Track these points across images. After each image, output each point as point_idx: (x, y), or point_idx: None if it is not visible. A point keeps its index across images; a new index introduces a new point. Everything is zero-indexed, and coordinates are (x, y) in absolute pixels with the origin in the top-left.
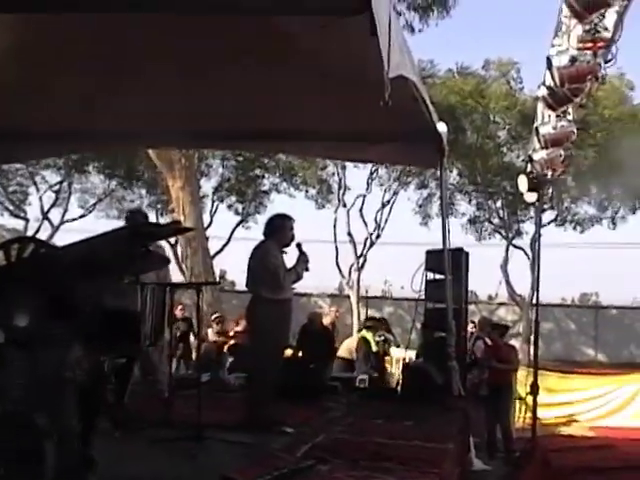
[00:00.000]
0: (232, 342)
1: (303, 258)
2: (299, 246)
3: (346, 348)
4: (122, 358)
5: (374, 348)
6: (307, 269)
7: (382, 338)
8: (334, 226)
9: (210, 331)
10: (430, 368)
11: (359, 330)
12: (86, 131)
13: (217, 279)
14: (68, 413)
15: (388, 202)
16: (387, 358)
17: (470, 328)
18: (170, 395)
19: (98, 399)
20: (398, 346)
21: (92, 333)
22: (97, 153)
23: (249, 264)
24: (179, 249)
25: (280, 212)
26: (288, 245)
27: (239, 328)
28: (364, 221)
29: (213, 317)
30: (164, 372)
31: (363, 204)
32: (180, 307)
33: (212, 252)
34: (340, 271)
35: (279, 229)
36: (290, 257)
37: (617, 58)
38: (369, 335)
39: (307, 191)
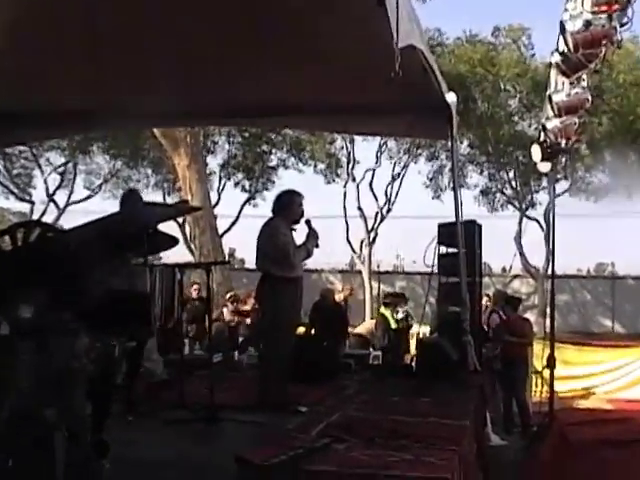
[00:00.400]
0: (247, 322)
1: (313, 234)
2: (308, 222)
3: (365, 326)
4: (133, 341)
5: (393, 325)
6: (317, 245)
7: (404, 314)
8: (344, 201)
9: (225, 310)
10: (445, 343)
11: (377, 308)
12: (89, 111)
13: (226, 258)
14: (78, 405)
15: (398, 175)
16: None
17: (484, 302)
18: (176, 377)
19: (109, 385)
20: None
21: (102, 318)
22: (101, 133)
23: (258, 242)
24: (187, 229)
25: (288, 188)
26: (297, 222)
27: (247, 307)
28: (374, 195)
29: (228, 296)
30: (155, 360)
31: (373, 178)
32: (195, 287)
33: (220, 231)
34: (351, 246)
35: (288, 205)
36: (299, 234)
37: (633, 21)
38: (387, 312)
39: (316, 166)
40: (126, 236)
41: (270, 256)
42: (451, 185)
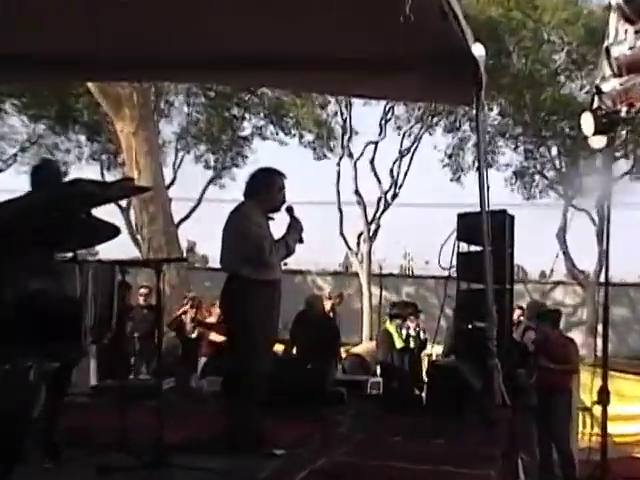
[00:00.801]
0: (211, 337)
1: (295, 226)
2: (290, 210)
3: (363, 345)
4: (56, 362)
5: (398, 344)
6: (301, 240)
7: (416, 331)
8: (337, 183)
9: (183, 319)
10: (464, 368)
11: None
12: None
13: (184, 254)
14: None
15: (408, 151)
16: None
17: (517, 315)
18: (115, 409)
19: (21, 421)
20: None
21: (15, 330)
22: (16, 87)
23: (224, 234)
24: (132, 215)
25: (266, 166)
26: (276, 209)
27: (212, 319)
28: (377, 176)
29: (186, 300)
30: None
31: (375, 153)
32: (143, 291)
33: (176, 218)
34: (346, 242)
35: (264, 188)
36: (279, 225)
37: None
38: (392, 327)
39: (301, 137)
40: (49, 224)
41: (239, 253)
42: (475, 164)
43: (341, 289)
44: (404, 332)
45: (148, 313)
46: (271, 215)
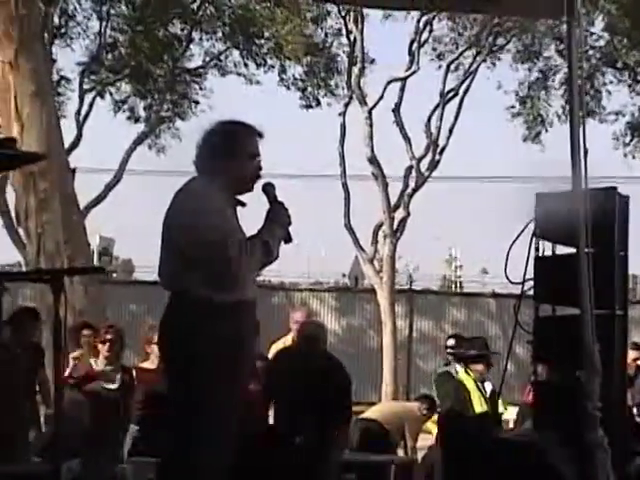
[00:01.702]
0: (144, 394)
1: (279, 215)
2: (269, 190)
3: (382, 408)
4: None
5: (477, 405)
6: (288, 238)
7: (489, 386)
8: (341, 145)
9: (95, 361)
10: (549, 445)
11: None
12: None
13: (94, 259)
14: None
15: (455, 92)
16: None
17: (632, 357)
18: None
19: None
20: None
21: None
22: None
23: (165, 229)
24: (11, 198)
25: (229, 118)
26: (247, 188)
27: (147, 364)
28: (404, 134)
29: (104, 330)
30: None
31: (402, 97)
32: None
33: (83, 202)
34: (355, 239)
35: (227, 154)
36: (251, 214)
37: None
38: (469, 378)
39: (283, 70)
40: None
41: (189, 259)
42: (566, 113)
43: (347, 314)
44: (480, 386)
45: (32, 354)
46: (239, 198)
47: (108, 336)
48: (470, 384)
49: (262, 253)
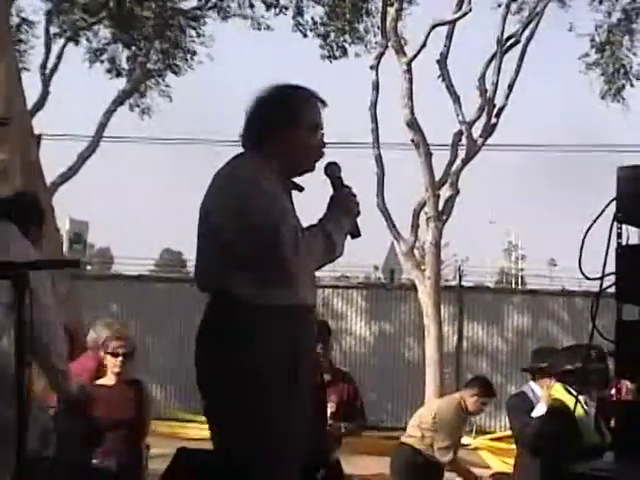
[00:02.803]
0: None
1: (345, 200)
2: (333, 170)
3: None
4: None
5: (589, 436)
6: (357, 232)
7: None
8: (374, 106)
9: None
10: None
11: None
12: None
13: (63, 247)
14: None
15: (515, 40)
16: None
17: None
18: None
19: None
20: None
21: None
22: None
23: (205, 215)
24: None
25: (285, 82)
26: (308, 168)
27: (104, 380)
28: (452, 90)
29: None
30: None
31: (449, 45)
32: None
33: (51, 177)
34: (390, 221)
35: (285, 122)
36: (307, 199)
37: None
38: (566, 395)
39: (299, 13)
40: None
41: (235, 250)
42: None
43: (380, 317)
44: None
45: None
46: (295, 182)
47: (120, 350)
48: (578, 409)
49: (324, 248)
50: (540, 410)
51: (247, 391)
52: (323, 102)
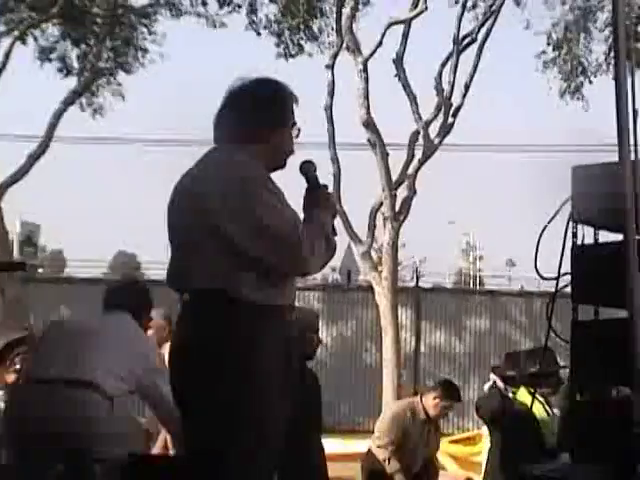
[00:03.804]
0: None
1: (326, 199)
2: (308, 168)
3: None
4: None
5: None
6: (334, 231)
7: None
8: (329, 106)
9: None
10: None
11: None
12: None
13: (15, 250)
14: None
15: (471, 39)
16: None
17: None
18: None
19: None
20: None
21: None
22: None
23: (200, 212)
24: None
25: (262, 76)
26: (282, 165)
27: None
28: (408, 90)
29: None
30: None
31: (405, 43)
32: None
33: (1, 178)
34: (346, 222)
35: (276, 121)
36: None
37: None
38: (526, 397)
39: (252, 10)
40: None
41: (242, 250)
42: (609, 61)
43: (336, 319)
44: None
45: None
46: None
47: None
48: (541, 412)
49: (326, 247)
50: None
51: (251, 393)
52: (296, 99)
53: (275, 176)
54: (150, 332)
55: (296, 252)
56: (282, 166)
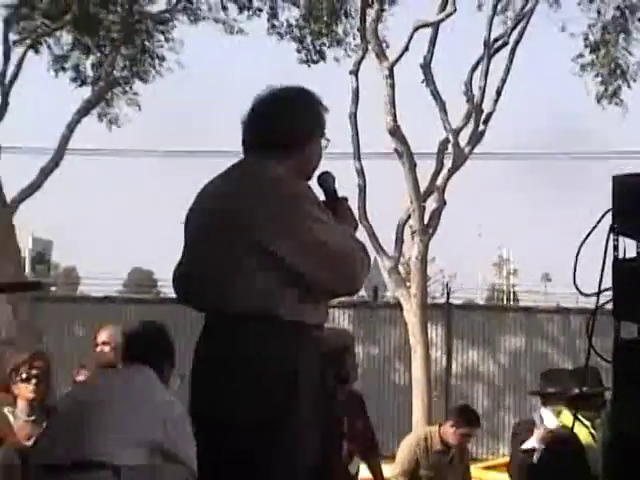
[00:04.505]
0: None
1: (347, 213)
2: (328, 181)
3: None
4: None
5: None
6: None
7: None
8: (353, 115)
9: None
10: None
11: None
12: None
13: (27, 268)
14: None
15: (503, 42)
16: None
17: None
18: None
19: None
20: None
21: None
22: None
23: (239, 227)
24: None
25: (295, 85)
26: (309, 177)
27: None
28: (437, 96)
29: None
30: None
31: (433, 51)
32: None
33: (10, 194)
34: (372, 236)
35: (314, 132)
36: None
37: None
38: (584, 430)
39: (274, 15)
40: None
41: (289, 269)
42: None
43: (363, 337)
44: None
45: None
46: None
47: (33, 371)
48: (585, 437)
49: (367, 262)
50: (530, 443)
51: (296, 421)
52: (326, 108)
53: None
54: (106, 349)
55: (353, 268)
56: (309, 178)
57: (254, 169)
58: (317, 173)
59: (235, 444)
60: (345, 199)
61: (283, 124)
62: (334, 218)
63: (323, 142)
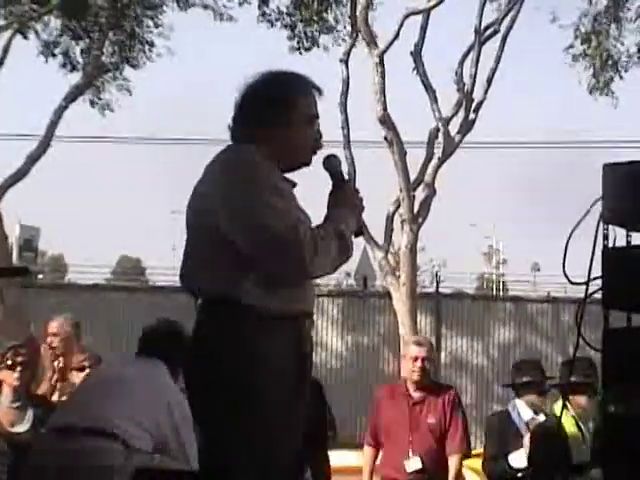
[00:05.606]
0: None
1: (349, 196)
2: (333, 163)
3: None
4: None
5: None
6: (360, 230)
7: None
8: (344, 98)
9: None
10: None
11: None
12: None
13: (14, 255)
14: None
15: (494, 30)
16: None
17: None
18: None
19: None
20: None
21: None
22: None
23: (201, 213)
24: None
25: (277, 69)
26: (305, 162)
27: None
28: (427, 85)
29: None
30: None
31: (424, 38)
32: None
33: None
34: (362, 225)
35: (278, 121)
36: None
37: None
38: (570, 420)
39: (265, 1)
40: None
41: (242, 252)
42: None
43: (352, 327)
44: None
45: None
46: (290, 178)
47: (19, 358)
48: (570, 426)
49: (337, 248)
50: (518, 461)
51: (255, 405)
52: (319, 90)
53: (301, 173)
54: (55, 340)
55: (295, 252)
56: (307, 163)
57: (227, 155)
58: (322, 156)
59: (206, 434)
60: (349, 182)
61: (241, 115)
62: (337, 202)
63: (314, 126)
